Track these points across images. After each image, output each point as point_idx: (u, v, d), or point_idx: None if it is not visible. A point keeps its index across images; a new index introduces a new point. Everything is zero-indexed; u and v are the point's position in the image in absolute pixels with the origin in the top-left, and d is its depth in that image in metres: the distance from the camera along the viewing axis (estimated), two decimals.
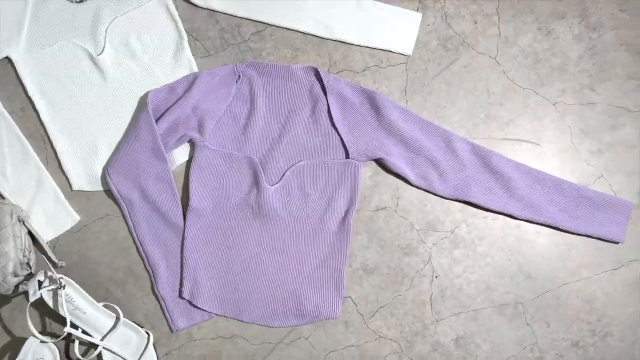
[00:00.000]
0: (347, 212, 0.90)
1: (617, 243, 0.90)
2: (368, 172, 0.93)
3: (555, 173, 0.92)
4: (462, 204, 0.92)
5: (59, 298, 0.85)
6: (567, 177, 0.92)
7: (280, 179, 0.91)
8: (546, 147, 0.93)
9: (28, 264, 0.86)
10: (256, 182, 0.91)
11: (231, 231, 0.92)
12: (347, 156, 0.91)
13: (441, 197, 0.91)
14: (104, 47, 0.93)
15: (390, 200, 0.93)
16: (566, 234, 0.91)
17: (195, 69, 0.95)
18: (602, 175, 0.92)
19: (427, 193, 0.92)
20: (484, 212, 0.92)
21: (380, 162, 0.92)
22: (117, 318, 0.88)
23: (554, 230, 0.91)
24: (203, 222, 0.91)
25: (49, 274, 0.87)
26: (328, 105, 0.91)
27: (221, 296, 0.90)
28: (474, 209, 0.92)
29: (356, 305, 0.91)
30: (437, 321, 0.90)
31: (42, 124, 0.94)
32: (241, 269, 0.90)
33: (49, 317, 0.91)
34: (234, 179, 0.92)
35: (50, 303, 0.87)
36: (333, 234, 0.90)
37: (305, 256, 0.90)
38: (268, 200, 0.90)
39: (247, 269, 0.90)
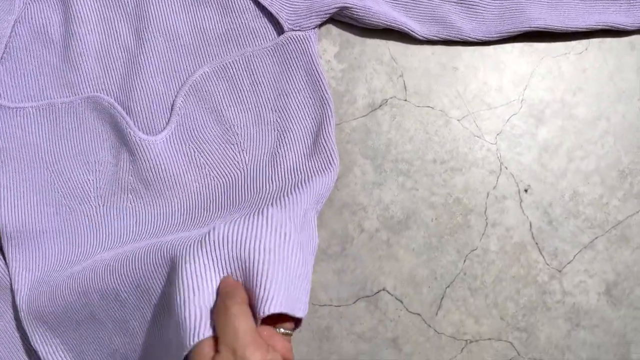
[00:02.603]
0: (318, 132, 0.51)
1: None
2: (330, 48, 0.54)
3: None
4: (519, 43, 0.54)
5: None
6: None
7: (170, 118, 0.51)
8: None
9: None
10: (121, 138, 0.50)
11: (103, 250, 0.49)
12: (282, 30, 0.52)
13: (478, 43, 0.53)
14: None
15: (390, 82, 0.53)
16: None
17: None
18: None
19: (450, 47, 0.53)
20: (562, 42, 0.53)
21: (347, 20, 0.53)
22: None
23: None
24: (39, 258, 0.49)
25: None
26: None
27: None
28: (544, 45, 0.53)
29: (401, 302, 0.51)
30: (560, 271, 0.52)
31: None
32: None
33: None
34: (74, 149, 0.51)
35: None
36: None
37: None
38: (158, 165, 0.49)
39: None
